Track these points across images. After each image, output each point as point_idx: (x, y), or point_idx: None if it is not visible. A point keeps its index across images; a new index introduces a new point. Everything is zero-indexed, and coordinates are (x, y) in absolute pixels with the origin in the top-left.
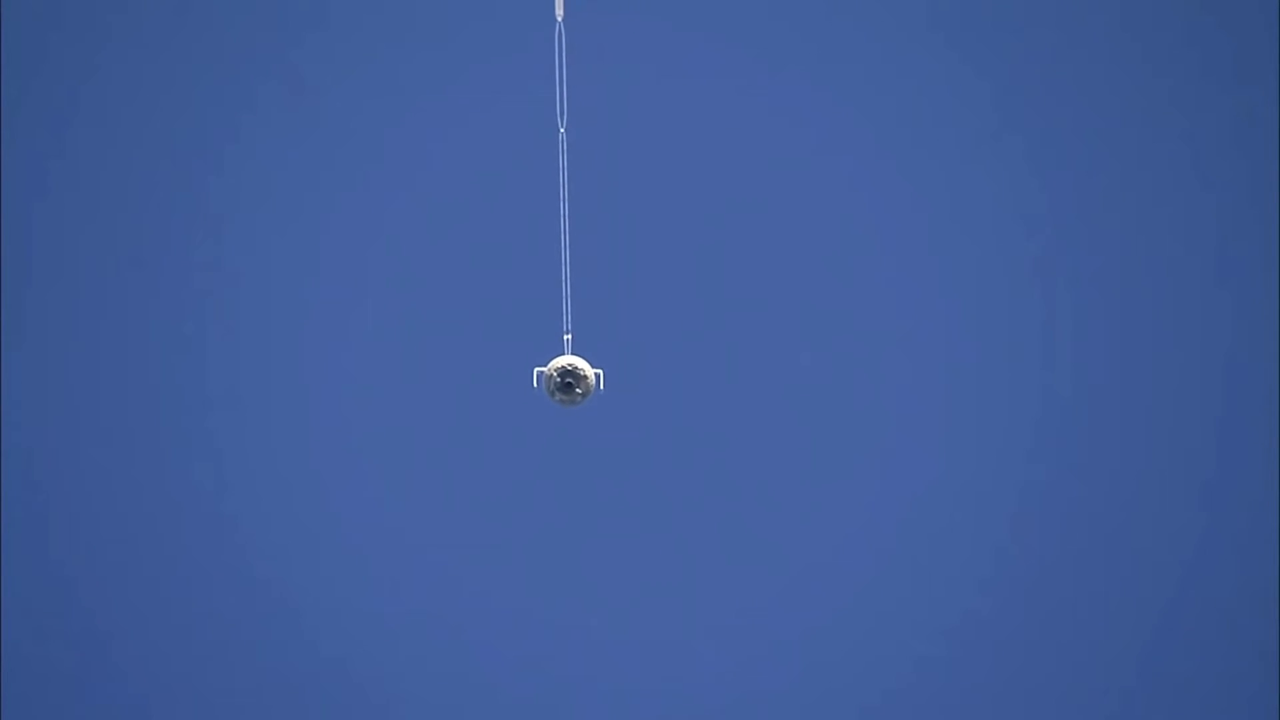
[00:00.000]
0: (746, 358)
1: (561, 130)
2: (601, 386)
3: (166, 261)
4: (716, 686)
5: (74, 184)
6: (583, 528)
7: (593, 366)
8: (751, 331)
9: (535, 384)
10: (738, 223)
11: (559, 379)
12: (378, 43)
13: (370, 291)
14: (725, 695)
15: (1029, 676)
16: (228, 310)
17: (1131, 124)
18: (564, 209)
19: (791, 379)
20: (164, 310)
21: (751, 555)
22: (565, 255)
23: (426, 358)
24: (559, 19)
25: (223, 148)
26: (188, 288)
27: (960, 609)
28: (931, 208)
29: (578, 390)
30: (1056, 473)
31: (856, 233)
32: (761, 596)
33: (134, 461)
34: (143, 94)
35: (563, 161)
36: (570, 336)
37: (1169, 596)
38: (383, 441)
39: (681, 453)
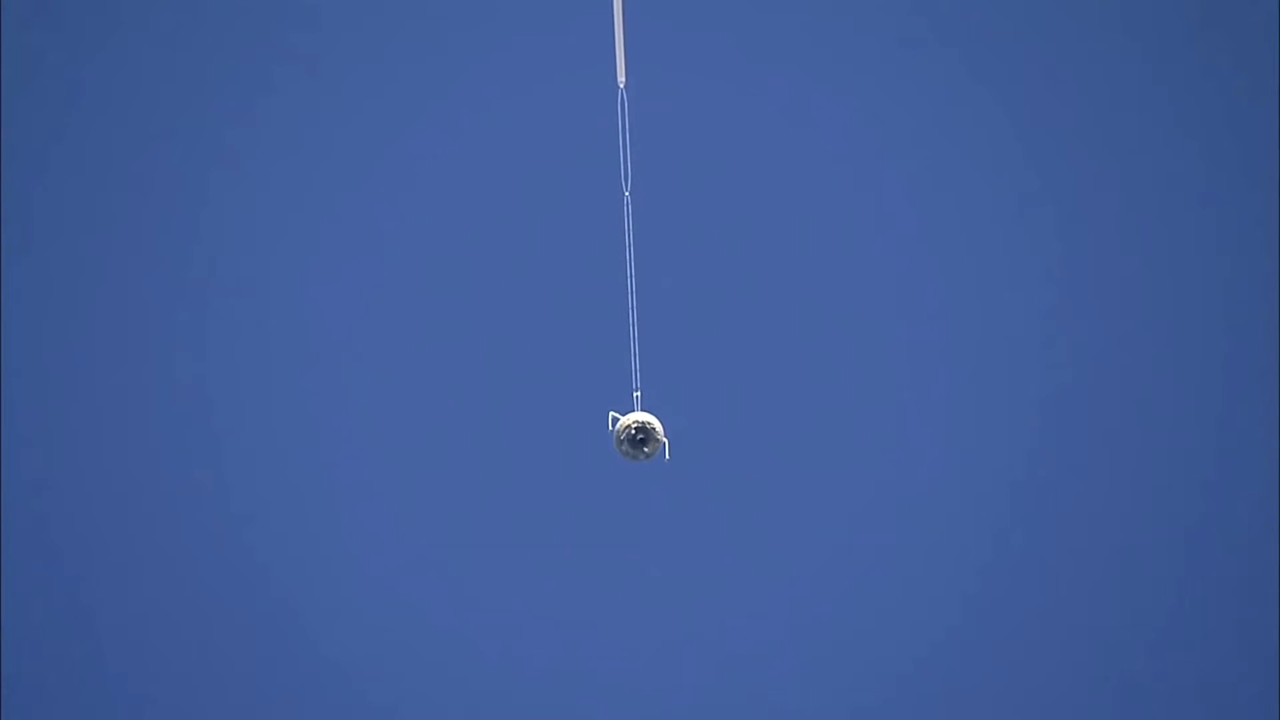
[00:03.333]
0: (790, 402)
1: (626, 193)
2: (667, 456)
3: (185, 263)
4: (722, 687)
5: (75, 182)
6: (589, 527)
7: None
8: (803, 381)
9: (610, 427)
10: (801, 277)
11: (634, 431)
12: (442, 102)
13: (438, 342)
14: (730, 696)
15: (1030, 677)
16: (271, 317)
17: (1133, 123)
18: (630, 269)
19: (824, 400)
20: (185, 312)
21: (762, 558)
22: (633, 315)
23: (489, 411)
24: (621, 85)
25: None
26: (209, 289)
27: (964, 610)
28: (973, 223)
29: (645, 450)
30: (1059, 475)
31: (915, 286)
32: (768, 598)
33: (154, 463)
34: (166, 88)
35: (628, 223)
36: (639, 394)
37: (1171, 596)
38: (410, 466)
39: (698, 463)
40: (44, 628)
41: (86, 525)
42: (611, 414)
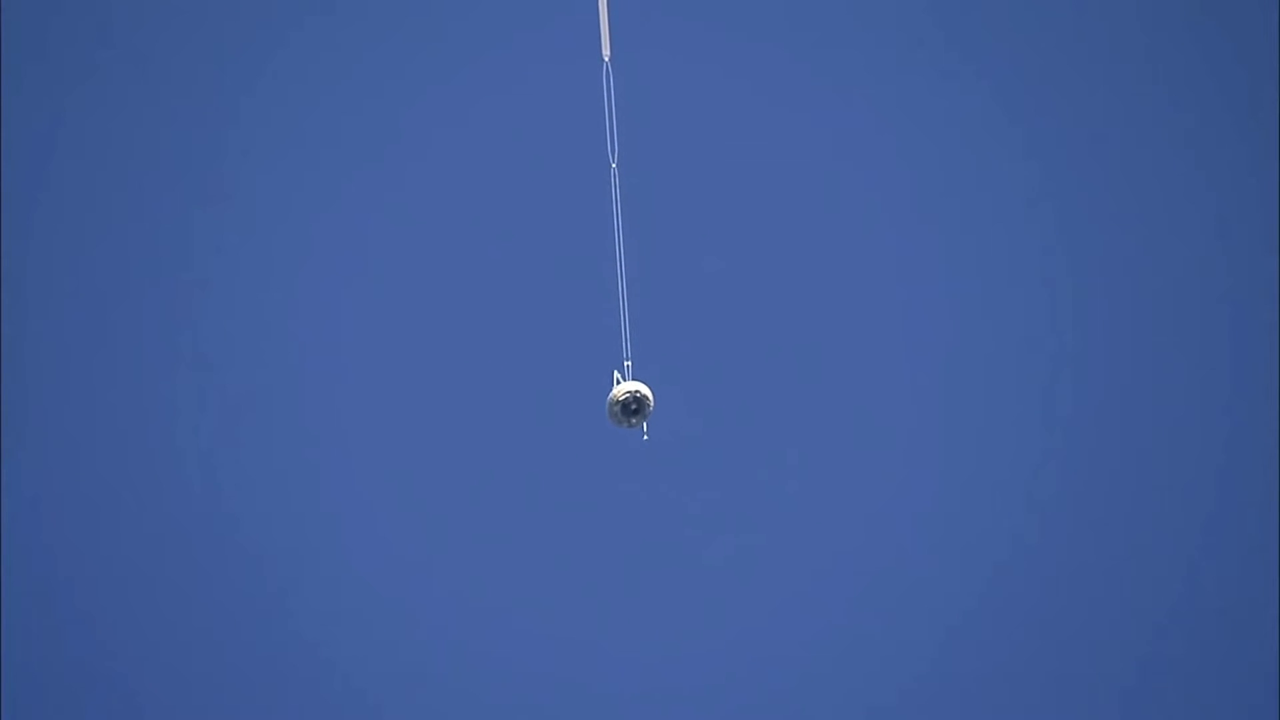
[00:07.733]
0: (777, 369)
1: (613, 165)
2: (645, 436)
3: (187, 266)
4: (726, 689)
5: (78, 181)
6: (595, 530)
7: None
8: (788, 347)
9: (615, 382)
10: (787, 250)
11: (630, 400)
12: (431, 83)
13: (433, 324)
14: (733, 697)
15: (1032, 678)
16: (259, 319)
17: (1136, 128)
18: (619, 241)
19: (819, 392)
20: (182, 312)
21: (764, 560)
22: (622, 286)
23: (480, 380)
24: (606, 59)
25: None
26: (204, 294)
27: (967, 612)
28: (966, 223)
29: (632, 420)
30: (1061, 479)
31: (896, 256)
32: (771, 600)
33: (153, 463)
34: (171, 92)
35: (615, 195)
36: (630, 363)
37: (1172, 597)
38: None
39: (697, 461)
40: (44, 629)
41: (84, 525)
42: (615, 374)
